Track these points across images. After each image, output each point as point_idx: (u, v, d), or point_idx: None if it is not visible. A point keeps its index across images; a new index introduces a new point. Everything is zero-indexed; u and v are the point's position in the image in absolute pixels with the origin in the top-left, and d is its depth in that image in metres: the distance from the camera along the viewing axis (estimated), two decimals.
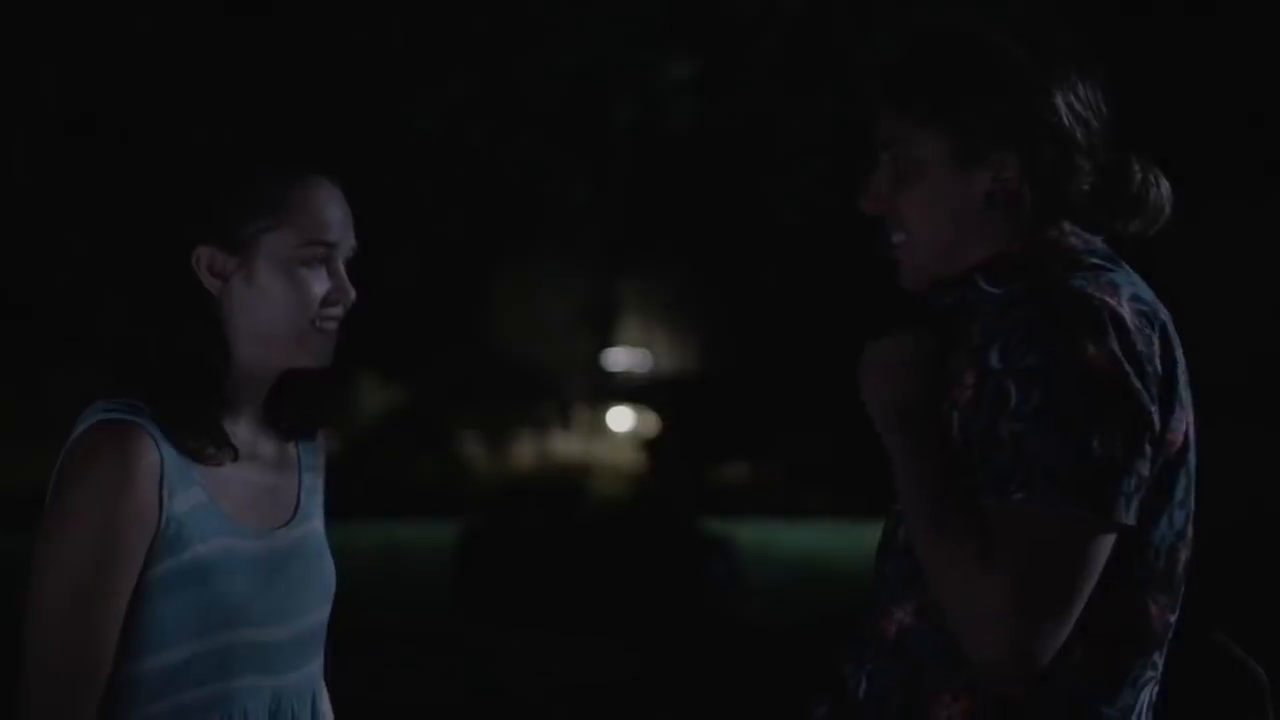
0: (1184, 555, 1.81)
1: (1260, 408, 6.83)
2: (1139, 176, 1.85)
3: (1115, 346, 1.70)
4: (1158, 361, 1.74)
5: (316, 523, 2.07)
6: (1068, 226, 1.85)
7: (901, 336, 1.84)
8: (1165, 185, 1.86)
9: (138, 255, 1.97)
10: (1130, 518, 1.71)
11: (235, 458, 1.94)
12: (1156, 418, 1.73)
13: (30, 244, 11.60)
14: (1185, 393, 1.79)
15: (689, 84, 12.95)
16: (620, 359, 28.46)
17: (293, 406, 2.04)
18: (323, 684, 2.09)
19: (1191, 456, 1.80)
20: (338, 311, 1.96)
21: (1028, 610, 1.66)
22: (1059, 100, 1.80)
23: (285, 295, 1.93)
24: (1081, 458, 1.67)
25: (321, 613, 2.04)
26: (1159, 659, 1.81)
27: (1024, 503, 1.67)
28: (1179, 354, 1.79)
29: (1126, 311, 1.73)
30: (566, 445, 28.40)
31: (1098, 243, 1.86)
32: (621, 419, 29.23)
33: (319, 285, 1.95)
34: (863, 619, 1.88)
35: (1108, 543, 1.69)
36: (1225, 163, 6.87)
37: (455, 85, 12.25)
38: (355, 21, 11.32)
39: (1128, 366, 1.70)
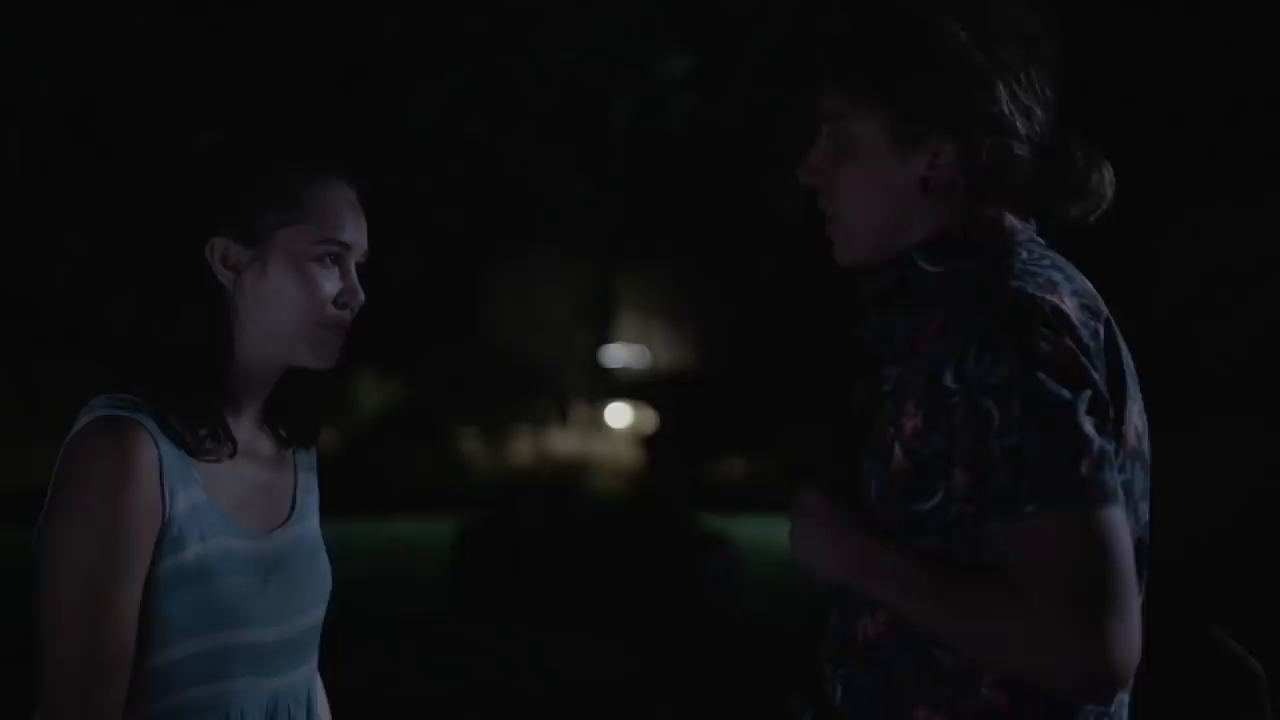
0: (1146, 544, 1.81)
1: (1260, 405, 6.84)
2: (1081, 162, 1.83)
3: (1068, 340, 1.69)
4: (1105, 355, 1.74)
5: (313, 522, 2.07)
6: (1007, 208, 1.84)
7: (810, 501, 1.81)
8: (1108, 171, 1.84)
9: (151, 243, 1.96)
10: (1120, 498, 1.69)
11: (234, 454, 1.94)
12: (1110, 409, 1.72)
13: (29, 241, 11.60)
14: (1133, 386, 1.78)
15: (686, 79, 12.95)
16: (618, 355, 28.48)
17: (292, 409, 2.04)
18: (318, 683, 2.09)
19: (1146, 447, 1.80)
20: (346, 314, 1.97)
21: (1090, 617, 1.62)
22: (1000, 88, 1.78)
23: (297, 291, 1.93)
24: (1078, 454, 1.65)
25: (318, 613, 2.03)
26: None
27: (1038, 512, 1.64)
28: (1123, 347, 1.78)
29: (1070, 307, 1.72)
30: (564, 442, 28.41)
31: (1032, 228, 1.85)
32: (619, 415, 29.24)
33: (330, 285, 1.95)
34: (832, 613, 1.87)
35: (1122, 523, 1.66)
36: (1222, 158, 6.88)
37: (453, 81, 12.25)
38: (353, 17, 11.32)
39: (1083, 359, 1.69)
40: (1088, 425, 1.66)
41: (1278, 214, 6.78)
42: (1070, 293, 1.75)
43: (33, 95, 10.64)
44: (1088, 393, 1.68)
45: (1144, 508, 1.79)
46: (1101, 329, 1.75)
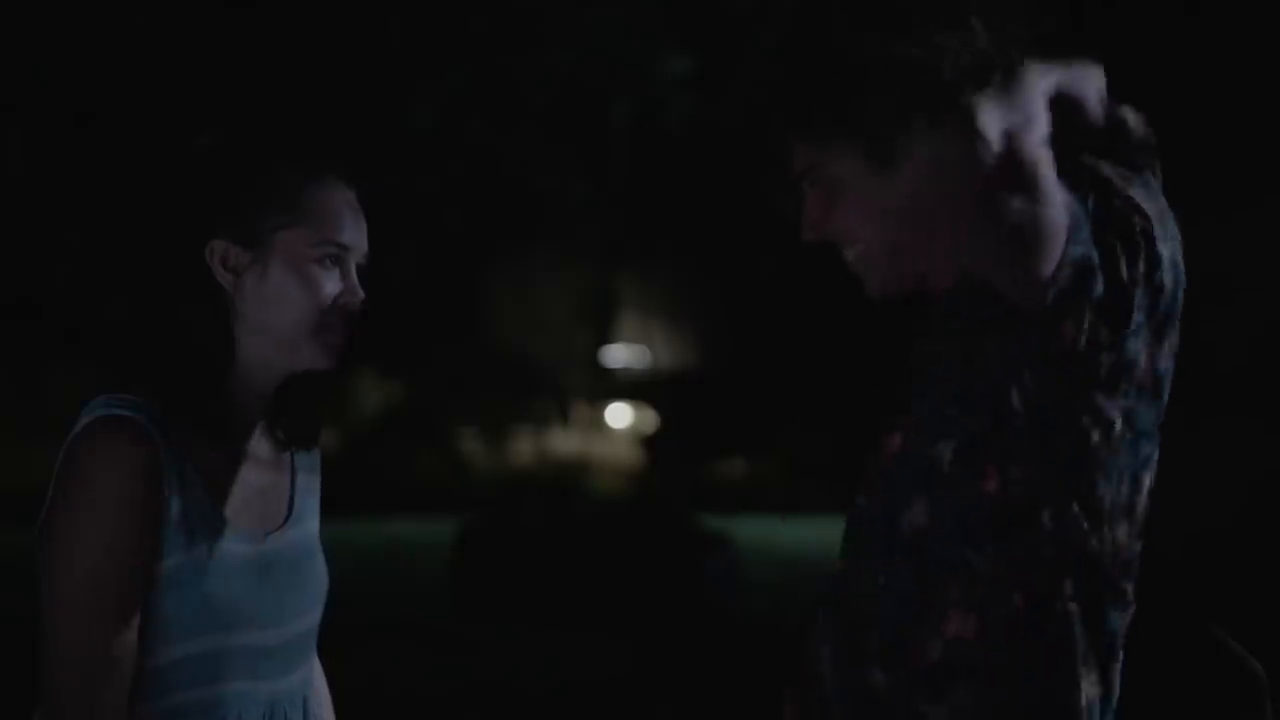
0: (1147, 483, 1.81)
1: (1260, 406, 6.84)
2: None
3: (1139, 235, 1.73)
4: (1162, 279, 1.75)
5: (311, 524, 2.07)
6: None
7: None
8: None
9: (151, 246, 1.97)
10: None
11: (235, 455, 1.95)
12: (1125, 306, 1.73)
13: (30, 240, 11.61)
14: (1171, 331, 1.79)
15: (686, 79, 12.96)
16: (619, 355, 28.50)
17: (292, 410, 2.04)
18: (315, 683, 2.09)
19: (1164, 389, 1.79)
20: (346, 316, 1.98)
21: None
22: (945, 68, 1.76)
23: (297, 293, 1.93)
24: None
25: (314, 616, 2.03)
26: (1130, 589, 1.81)
27: None
28: (1164, 277, 1.77)
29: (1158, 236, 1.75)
30: (565, 442, 28.45)
31: None
32: (620, 415, 29.28)
33: (330, 286, 1.95)
34: (860, 501, 1.85)
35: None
36: (1222, 158, 6.88)
37: (453, 81, 12.26)
38: (354, 17, 11.32)
39: (1143, 244, 1.73)
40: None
41: (1277, 215, 6.78)
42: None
43: (33, 95, 10.64)
44: (1120, 258, 1.70)
45: (1146, 445, 1.79)
46: (1170, 277, 1.76)
